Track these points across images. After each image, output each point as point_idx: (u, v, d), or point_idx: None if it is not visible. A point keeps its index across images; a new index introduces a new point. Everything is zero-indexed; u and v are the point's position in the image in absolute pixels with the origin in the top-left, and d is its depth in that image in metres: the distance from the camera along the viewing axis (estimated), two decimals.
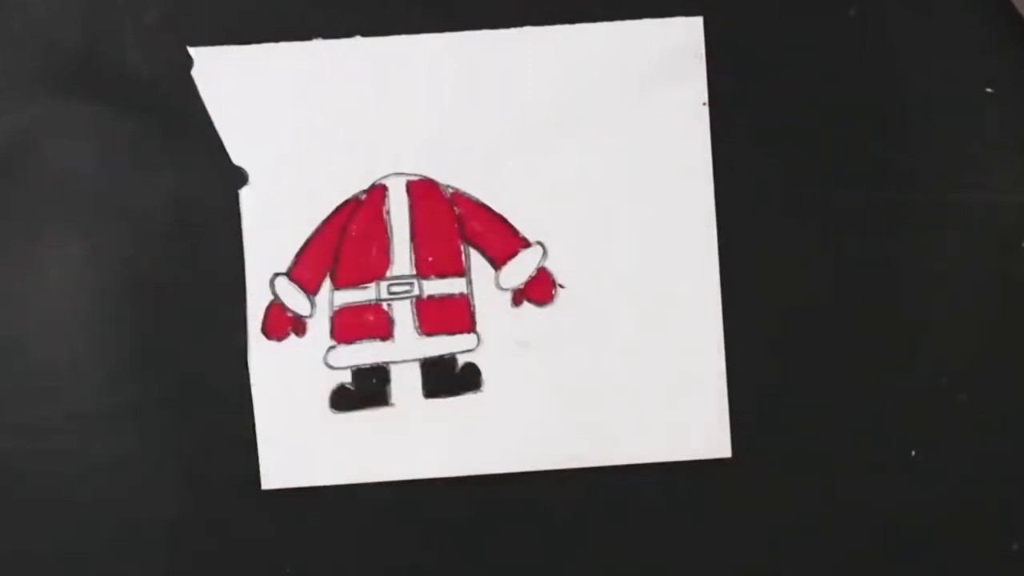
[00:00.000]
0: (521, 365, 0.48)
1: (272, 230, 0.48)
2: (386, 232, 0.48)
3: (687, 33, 0.48)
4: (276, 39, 0.48)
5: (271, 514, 0.48)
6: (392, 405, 0.48)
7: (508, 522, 0.48)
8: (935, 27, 0.49)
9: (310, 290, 0.48)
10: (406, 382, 0.48)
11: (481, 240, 0.48)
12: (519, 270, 0.48)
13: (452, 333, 0.48)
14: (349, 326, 0.48)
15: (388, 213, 0.48)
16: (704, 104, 0.48)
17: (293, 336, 0.48)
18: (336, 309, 0.48)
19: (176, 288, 0.48)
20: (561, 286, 0.48)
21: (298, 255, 0.48)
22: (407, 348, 0.48)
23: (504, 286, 0.48)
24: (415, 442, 0.48)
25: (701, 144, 0.48)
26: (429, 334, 0.48)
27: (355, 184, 0.48)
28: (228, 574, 0.49)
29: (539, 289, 0.48)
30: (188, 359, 0.48)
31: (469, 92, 0.48)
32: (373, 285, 0.48)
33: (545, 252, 0.48)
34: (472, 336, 0.48)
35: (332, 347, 0.48)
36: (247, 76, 0.48)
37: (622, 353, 0.48)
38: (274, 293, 0.48)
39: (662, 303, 0.48)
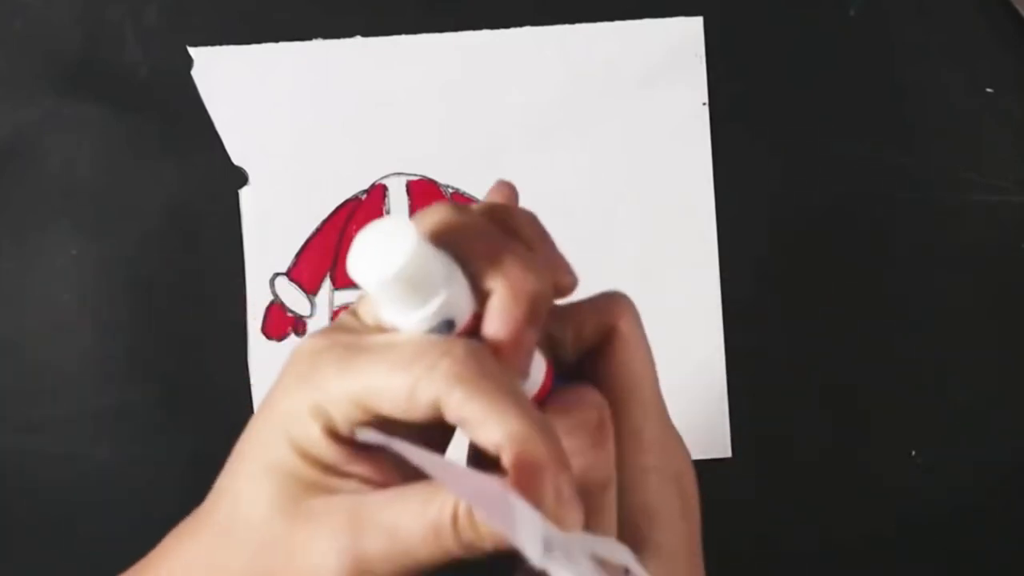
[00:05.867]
0: None
1: (272, 230, 0.48)
2: None
3: (687, 33, 0.48)
4: (276, 39, 0.48)
5: None
6: None
7: None
8: (935, 27, 0.49)
9: (310, 290, 0.48)
10: None
11: None
12: None
13: None
14: None
15: (388, 213, 0.48)
16: (704, 104, 0.48)
17: (293, 336, 0.48)
18: (336, 309, 0.48)
19: (176, 289, 0.48)
20: None
21: (298, 255, 0.48)
22: None
23: None
24: None
25: (701, 144, 0.48)
26: None
27: (355, 184, 0.48)
28: None
29: None
30: (188, 359, 0.48)
31: (469, 92, 0.48)
32: None
33: None
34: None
35: None
36: (247, 76, 0.48)
37: None
38: (274, 293, 0.48)
39: (662, 303, 0.48)
